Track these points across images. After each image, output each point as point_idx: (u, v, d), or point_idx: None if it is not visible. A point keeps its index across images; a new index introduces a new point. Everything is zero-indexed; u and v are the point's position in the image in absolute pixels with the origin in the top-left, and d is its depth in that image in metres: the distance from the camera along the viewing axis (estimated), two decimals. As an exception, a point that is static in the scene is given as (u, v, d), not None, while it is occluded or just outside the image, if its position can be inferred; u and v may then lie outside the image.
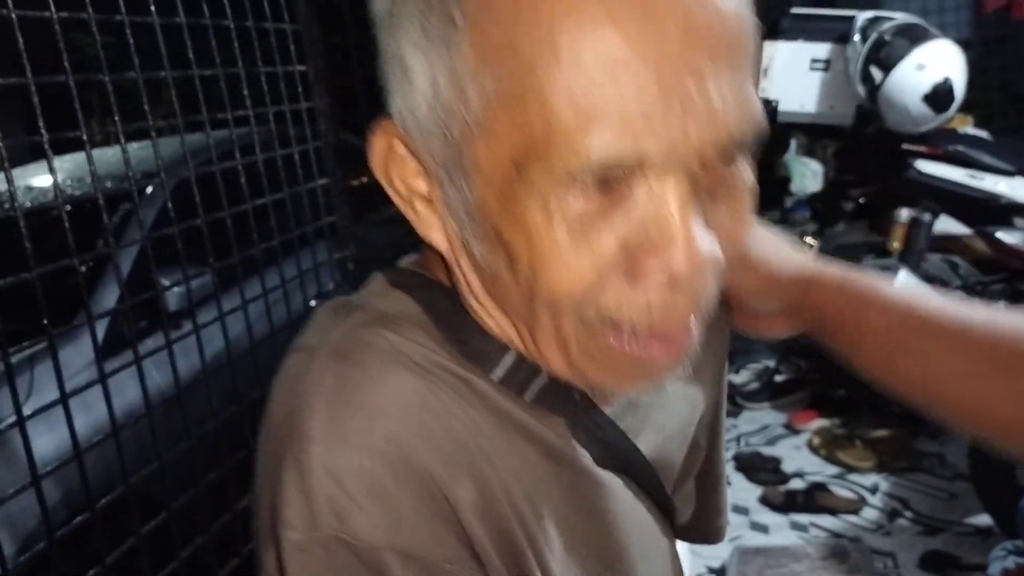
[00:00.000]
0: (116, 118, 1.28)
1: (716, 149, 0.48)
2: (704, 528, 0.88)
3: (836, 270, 0.70)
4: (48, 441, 1.83)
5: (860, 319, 0.67)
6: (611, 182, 0.48)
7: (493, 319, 0.59)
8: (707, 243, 0.49)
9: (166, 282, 2.40)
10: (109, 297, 2.54)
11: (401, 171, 0.56)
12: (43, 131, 1.17)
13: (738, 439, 3.49)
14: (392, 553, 0.50)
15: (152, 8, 1.31)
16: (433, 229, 0.57)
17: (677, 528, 0.77)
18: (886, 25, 2.75)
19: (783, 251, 0.74)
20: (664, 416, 0.71)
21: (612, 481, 0.64)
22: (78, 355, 2.33)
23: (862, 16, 2.84)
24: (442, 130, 0.51)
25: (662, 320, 0.51)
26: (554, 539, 0.58)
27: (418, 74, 0.51)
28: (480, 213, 0.52)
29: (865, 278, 0.68)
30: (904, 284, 0.66)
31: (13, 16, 1.07)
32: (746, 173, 0.52)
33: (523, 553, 0.55)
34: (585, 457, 0.62)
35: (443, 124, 0.51)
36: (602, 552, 0.63)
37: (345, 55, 1.90)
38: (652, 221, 0.48)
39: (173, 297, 2.49)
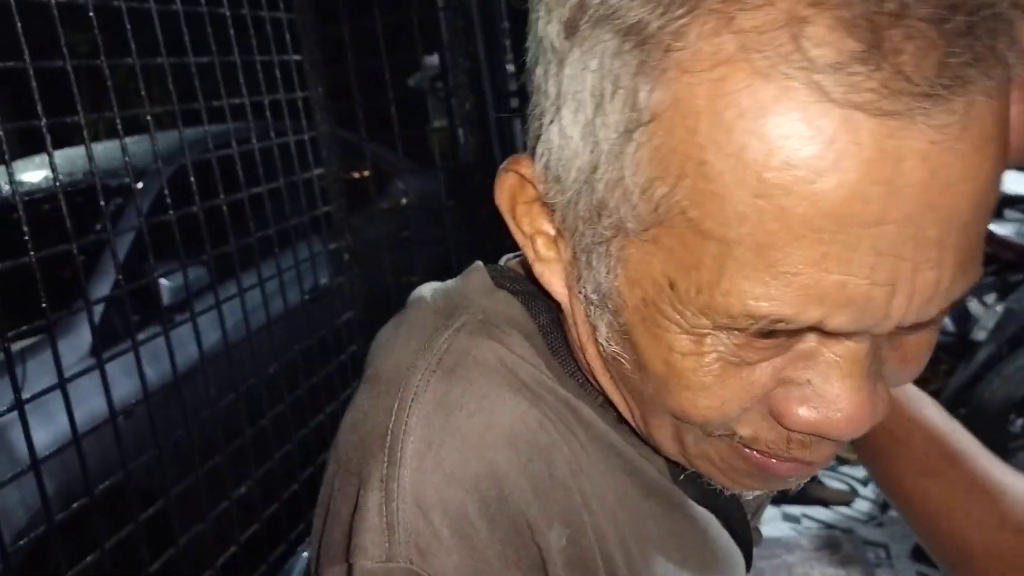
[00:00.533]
0: (114, 108, 1.29)
1: (915, 323, 0.42)
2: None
3: None
4: (43, 435, 1.84)
5: (904, 434, 0.71)
6: (778, 332, 0.42)
7: (593, 372, 0.54)
8: (870, 408, 0.44)
9: (163, 280, 2.42)
10: (103, 288, 2.55)
11: (529, 210, 0.51)
12: (42, 117, 1.18)
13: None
14: None
15: None
16: (554, 277, 0.52)
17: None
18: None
19: None
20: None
21: (706, 517, 0.62)
22: (72, 349, 2.34)
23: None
24: (591, 210, 0.45)
25: (790, 460, 0.48)
26: (646, 572, 0.56)
27: (574, 139, 0.45)
28: (616, 307, 0.46)
29: (910, 394, 0.72)
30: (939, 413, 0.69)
31: (12, 1, 1.08)
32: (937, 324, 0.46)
33: None
34: (682, 495, 0.60)
35: (595, 205, 0.45)
36: None
37: (340, 46, 1.91)
38: (818, 376, 0.43)
39: (168, 291, 2.50)
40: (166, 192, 1.81)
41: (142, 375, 1.71)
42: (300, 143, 1.90)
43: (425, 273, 0.75)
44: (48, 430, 1.85)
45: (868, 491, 2.98)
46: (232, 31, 1.56)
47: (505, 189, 0.52)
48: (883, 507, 2.87)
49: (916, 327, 0.43)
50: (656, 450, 0.55)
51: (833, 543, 2.71)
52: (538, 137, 0.48)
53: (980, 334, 2.74)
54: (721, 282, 0.40)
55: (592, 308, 0.48)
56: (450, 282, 0.60)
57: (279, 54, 1.72)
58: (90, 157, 1.43)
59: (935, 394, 3.01)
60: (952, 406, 2.84)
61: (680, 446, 0.51)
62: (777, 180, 0.38)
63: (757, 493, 0.61)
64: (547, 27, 0.45)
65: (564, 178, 0.46)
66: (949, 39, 0.36)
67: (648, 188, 0.41)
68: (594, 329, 0.49)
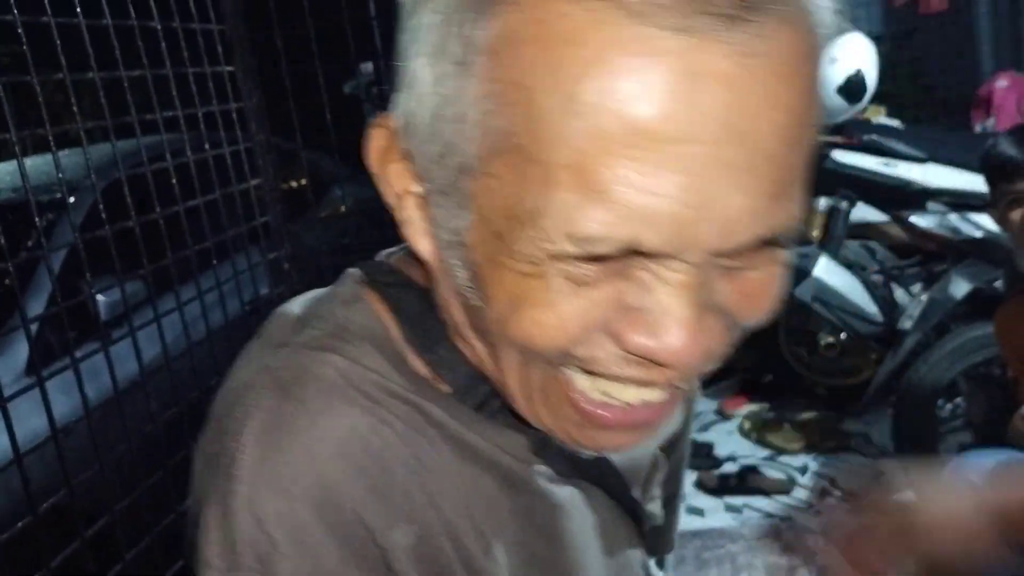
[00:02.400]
0: (45, 123, 1.27)
1: (734, 248, 0.44)
2: (662, 543, 0.87)
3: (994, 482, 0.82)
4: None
5: None
6: (608, 257, 0.44)
7: (462, 337, 0.56)
8: (700, 334, 0.45)
9: (100, 296, 2.38)
10: (38, 305, 2.49)
11: (398, 169, 0.52)
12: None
13: (672, 427, 3.58)
14: None
15: (78, 10, 1.30)
16: (420, 237, 0.53)
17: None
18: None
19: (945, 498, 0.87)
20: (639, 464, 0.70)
21: (572, 499, 0.63)
22: (7, 368, 2.28)
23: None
24: (441, 152, 0.47)
25: (638, 379, 0.49)
26: (503, 569, 0.57)
27: (425, 85, 0.47)
28: (467, 245, 0.48)
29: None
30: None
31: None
32: (780, 253, 0.48)
33: None
34: (543, 477, 0.60)
35: (442, 146, 0.47)
36: (555, 573, 0.62)
37: (274, 55, 1.91)
38: (649, 299, 0.45)
39: (104, 306, 2.46)
40: (100, 206, 1.78)
41: (83, 392, 1.68)
42: (236, 153, 1.89)
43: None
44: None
45: (806, 480, 3.06)
46: (163, 44, 1.55)
47: (374, 147, 0.53)
48: (820, 494, 2.95)
49: (743, 260, 0.46)
50: (513, 415, 0.56)
51: (774, 532, 2.79)
52: (399, 92, 0.50)
53: (907, 323, 2.83)
54: (548, 207, 0.43)
55: (450, 252, 0.50)
56: (320, 291, 0.61)
57: (211, 65, 1.72)
58: (23, 172, 1.41)
59: (868, 382, 3.12)
60: (882, 393, 2.94)
61: (527, 393, 0.52)
62: (589, 100, 0.40)
63: (627, 458, 0.66)
64: None
65: (418, 125, 0.48)
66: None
67: (484, 120, 0.44)
68: (450, 272, 0.51)
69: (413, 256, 0.57)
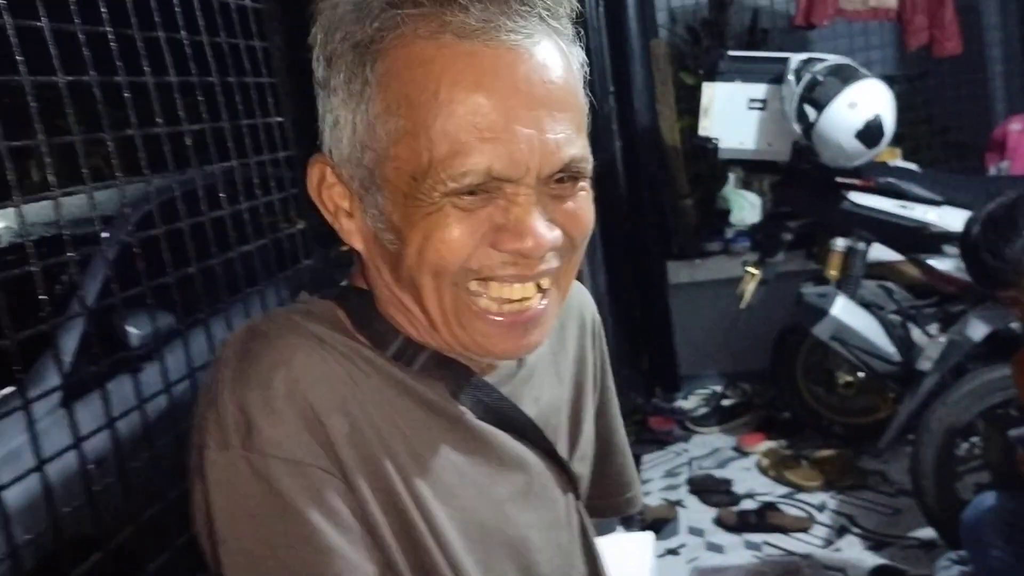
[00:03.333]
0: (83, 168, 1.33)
1: (552, 172, 0.70)
2: (614, 501, 1.06)
3: None
4: (15, 486, 1.85)
5: None
6: (483, 188, 0.68)
7: (393, 305, 0.77)
8: (546, 231, 0.70)
9: (132, 329, 2.43)
10: (71, 338, 2.55)
11: (330, 193, 0.76)
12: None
13: (690, 463, 3.60)
14: (277, 461, 0.68)
15: (146, 69, 1.38)
16: (353, 236, 0.76)
17: (587, 500, 0.95)
18: (818, 66, 2.90)
19: None
20: (537, 389, 0.87)
21: (492, 432, 0.81)
22: (38, 404, 2.33)
23: (796, 58, 3.00)
24: (359, 158, 0.72)
25: (508, 275, 0.71)
26: (433, 472, 0.75)
27: (344, 121, 0.72)
28: (388, 212, 0.71)
29: None
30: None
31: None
32: (584, 185, 0.74)
33: (390, 478, 0.73)
34: (465, 413, 0.79)
35: (360, 154, 0.71)
36: (480, 487, 0.79)
37: (312, 103, 2.00)
38: (510, 216, 0.69)
39: (136, 339, 2.51)
40: (135, 240, 1.80)
41: (113, 427, 1.72)
42: (284, 200, 1.96)
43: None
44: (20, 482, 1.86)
45: (824, 517, 3.08)
46: (220, 97, 1.62)
47: (312, 181, 0.77)
48: (839, 532, 2.97)
49: (563, 190, 0.72)
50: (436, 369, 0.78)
51: (793, 569, 2.81)
52: (325, 138, 0.75)
53: (925, 364, 2.86)
54: (435, 161, 0.67)
55: (377, 225, 0.73)
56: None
57: (263, 116, 1.79)
58: (58, 211, 1.46)
59: (886, 420, 3.15)
60: (903, 432, 2.96)
61: (444, 317, 0.73)
62: (445, 92, 0.67)
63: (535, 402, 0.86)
64: (317, 70, 0.74)
65: (343, 150, 0.72)
66: (517, 10, 0.68)
67: (384, 125, 0.69)
68: (380, 244, 0.73)
69: (353, 275, 0.81)
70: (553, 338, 0.90)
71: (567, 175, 0.71)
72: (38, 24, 1.30)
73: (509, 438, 0.82)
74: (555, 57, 0.70)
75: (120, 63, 1.48)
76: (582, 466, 0.95)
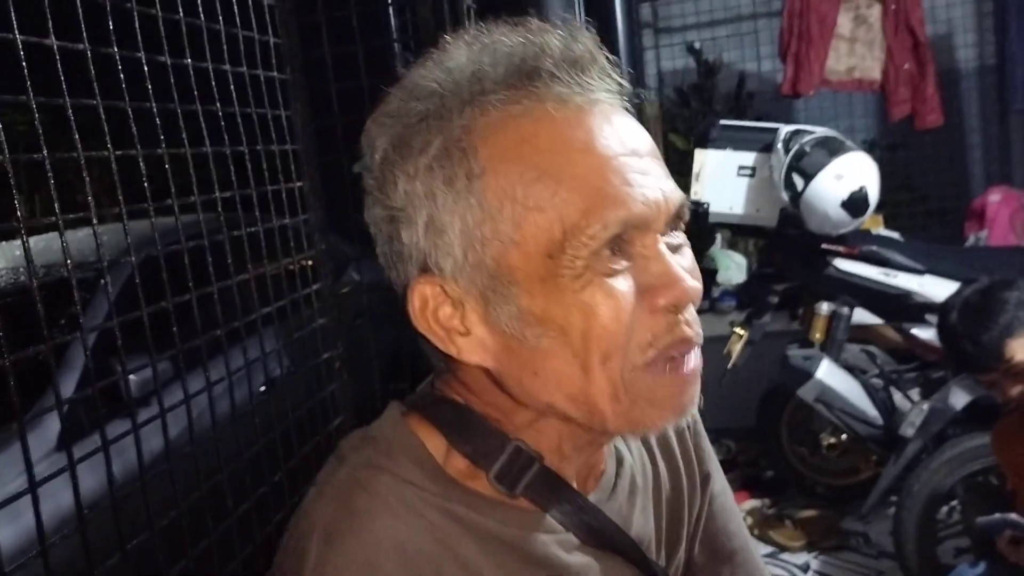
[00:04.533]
0: (121, 198, 1.35)
1: (670, 216, 0.68)
2: None
3: None
4: (9, 532, 1.85)
5: None
6: (619, 245, 0.65)
7: (522, 413, 0.71)
8: (690, 276, 0.67)
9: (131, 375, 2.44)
10: (70, 382, 2.57)
11: (436, 316, 0.69)
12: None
13: (675, 520, 3.63)
14: None
15: (175, 98, 1.44)
16: (472, 353, 0.69)
17: None
18: (806, 138, 3.01)
19: None
20: (639, 505, 0.82)
21: (588, 566, 0.74)
22: (39, 443, 2.34)
23: (784, 129, 3.10)
24: (479, 259, 0.66)
25: (682, 335, 0.67)
26: None
27: (450, 226, 0.66)
28: (527, 306, 0.66)
29: None
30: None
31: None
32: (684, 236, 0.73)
33: None
34: (562, 547, 0.73)
35: (479, 254, 0.66)
36: None
37: (332, 135, 2.09)
38: (653, 270, 0.66)
39: (135, 385, 2.53)
40: (137, 280, 1.80)
41: (110, 473, 1.73)
42: (295, 226, 2.03)
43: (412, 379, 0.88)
44: (14, 527, 1.87)
45: (808, 578, 3.12)
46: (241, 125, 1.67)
47: (416, 309, 0.70)
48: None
49: (673, 224, 0.69)
50: (545, 487, 0.72)
51: (777, 629, 2.83)
52: (417, 254, 0.69)
53: (908, 430, 2.93)
54: (568, 227, 0.64)
55: (515, 324, 0.67)
56: (372, 424, 0.76)
57: (279, 144, 1.86)
58: (65, 252, 1.49)
59: (868, 481, 3.21)
60: (885, 496, 3.03)
61: (617, 402, 0.67)
62: (560, 153, 0.65)
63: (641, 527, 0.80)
64: (393, 193, 0.69)
65: (455, 259, 0.67)
66: (593, 79, 0.68)
67: (501, 208, 0.65)
68: (519, 347, 0.67)
69: (445, 382, 0.76)
70: (642, 445, 0.86)
71: (677, 221, 0.70)
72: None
73: (602, 569, 0.76)
74: (629, 118, 0.70)
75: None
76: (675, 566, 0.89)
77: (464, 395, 0.74)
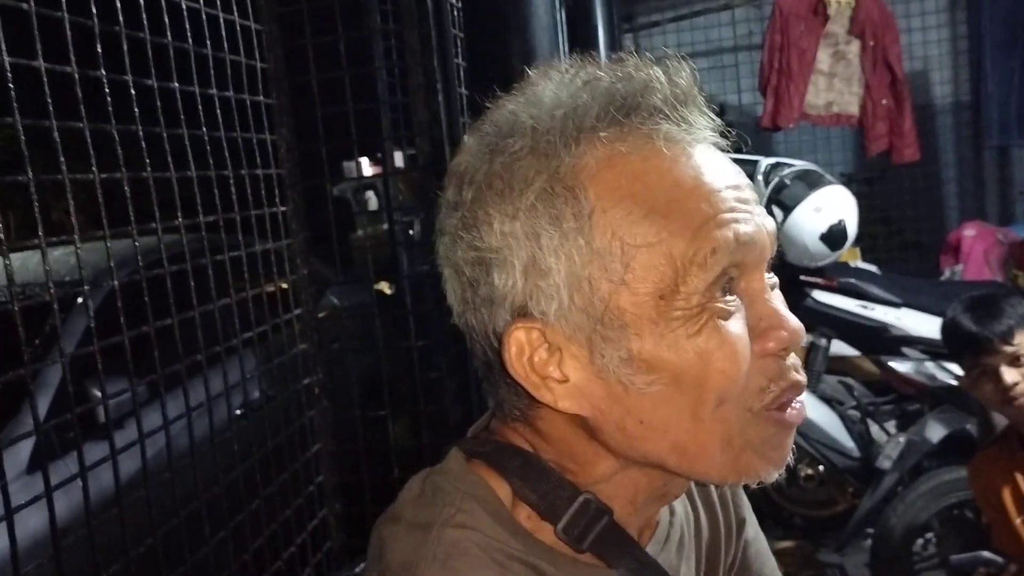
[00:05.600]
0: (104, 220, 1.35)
1: (769, 254, 0.67)
2: None
3: None
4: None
5: None
6: (729, 284, 0.63)
7: (611, 465, 0.69)
8: (794, 317, 0.66)
9: (98, 392, 2.41)
10: (41, 405, 2.53)
11: (531, 362, 0.66)
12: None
13: (653, 550, 3.62)
14: None
15: (161, 120, 1.43)
16: (569, 400, 0.66)
17: None
18: (786, 170, 3.05)
19: None
20: (684, 550, 0.80)
21: None
22: (11, 465, 2.30)
23: (765, 161, 3.14)
24: (588, 301, 0.63)
25: (795, 380, 0.65)
26: None
27: (555, 268, 0.63)
28: (637, 351, 0.63)
29: None
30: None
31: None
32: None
33: None
34: None
35: (587, 296, 0.63)
36: None
37: (315, 160, 2.09)
38: (760, 309, 0.64)
39: (111, 408, 2.49)
40: (118, 302, 1.79)
41: (87, 497, 1.70)
42: (279, 250, 2.02)
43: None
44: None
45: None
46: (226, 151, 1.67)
47: (514, 358, 0.66)
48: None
49: (768, 263, 0.67)
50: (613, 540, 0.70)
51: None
52: (499, 303, 0.66)
53: (885, 463, 2.95)
54: (679, 263, 0.62)
55: (623, 370, 0.64)
56: (435, 470, 0.74)
57: (263, 168, 1.87)
58: (47, 273, 1.47)
59: (845, 513, 3.22)
60: (862, 528, 3.04)
61: (729, 448, 0.65)
62: (670, 188, 0.63)
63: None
64: (488, 234, 0.65)
65: (552, 292, 0.64)
66: (695, 116, 0.67)
67: (611, 248, 0.62)
68: (626, 395, 0.64)
69: (501, 427, 0.73)
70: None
71: (770, 261, 0.68)
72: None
73: None
74: (721, 154, 0.69)
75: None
76: None
77: (533, 442, 0.71)
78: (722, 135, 0.69)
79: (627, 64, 0.67)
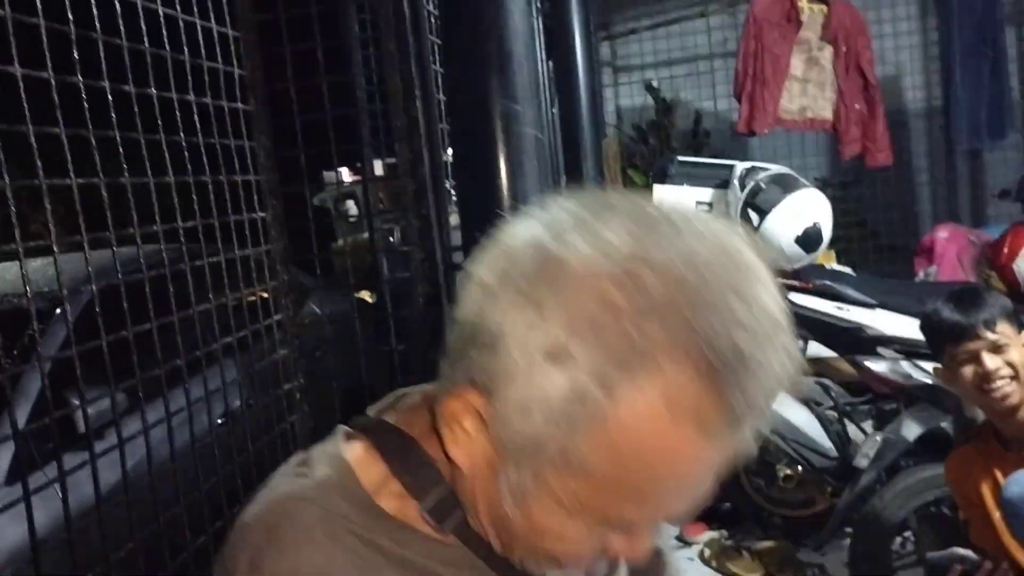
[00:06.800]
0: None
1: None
2: None
3: None
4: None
5: None
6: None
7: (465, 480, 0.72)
8: (647, 548, 0.72)
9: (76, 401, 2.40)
10: (20, 415, 2.51)
11: (460, 420, 0.69)
12: None
13: (634, 553, 3.64)
14: None
15: (139, 126, 1.43)
16: (461, 451, 0.70)
17: None
18: (761, 174, 3.08)
19: None
20: None
21: None
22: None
23: (740, 165, 3.17)
24: (539, 447, 0.64)
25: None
26: None
27: (548, 412, 0.62)
28: (527, 492, 0.67)
29: None
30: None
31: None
32: None
33: None
34: None
35: (542, 445, 0.63)
36: None
37: (295, 167, 2.10)
38: (628, 540, 0.70)
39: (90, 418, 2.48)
40: (97, 309, 1.77)
41: (67, 507, 1.69)
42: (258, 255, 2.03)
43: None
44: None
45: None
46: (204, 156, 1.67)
47: (457, 408, 0.69)
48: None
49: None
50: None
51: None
52: (500, 386, 0.65)
53: (862, 462, 2.98)
54: (611, 509, 0.65)
55: (505, 487, 0.68)
56: (316, 446, 0.80)
57: (241, 174, 1.87)
58: (25, 278, 1.47)
59: (824, 512, 3.25)
60: (840, 526, 3.07)
61: (518, 548, 0.72)
62: (666, 464, 0.63)
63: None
64: (554, 332, 0.61)
65: (530, 419, 0.63)
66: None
67: (592, 450, 0.62)
68: (496, 490, 0.69)
69: (407, 412, 0.79)
70: None
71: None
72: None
73: None
74: None
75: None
76: None
77: (421, 433, 0.76)
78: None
79: (791, 349, 0.65)
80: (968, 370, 2.05)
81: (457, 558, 0.75)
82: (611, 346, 0.60)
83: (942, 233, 4.19)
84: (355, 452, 0.76)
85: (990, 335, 2.01)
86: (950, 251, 4.06)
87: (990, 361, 2.01)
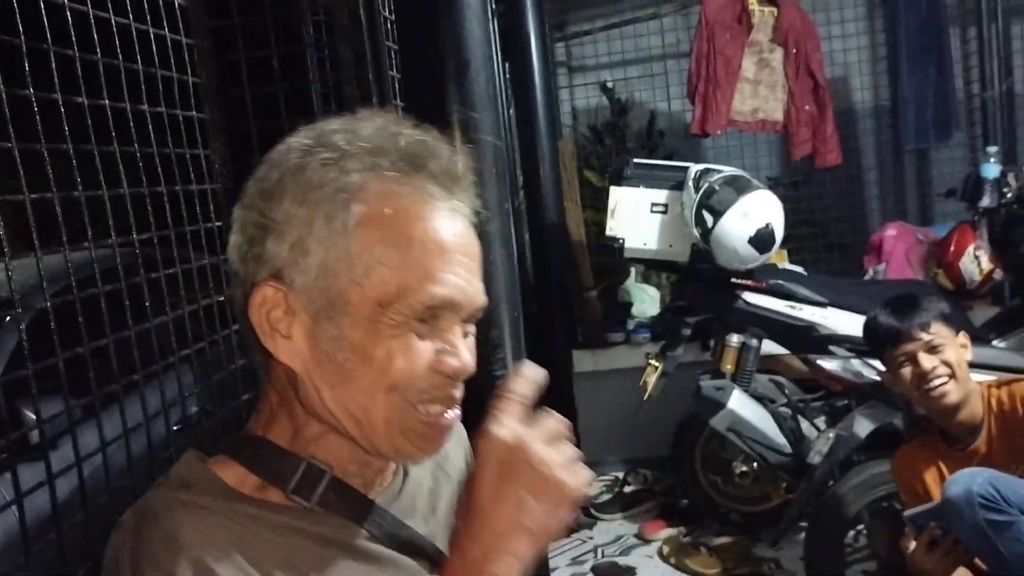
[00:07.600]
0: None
1: (474, 311, 0.87)
2: None
3: None
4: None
5: None
6: (433, 316, 0.83)
7: (312, 426, 0.86)
8: (471, 357, 0.87)
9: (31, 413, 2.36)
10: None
11: (268, 315, 0.83)
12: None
13: (595, 550, 3.68)
14: None
15: (92, 137, 1.41)
16: (286, 354, 0.84)
17: None
18: (715, 176, 3.12)
19: None
20: (423, 500, 0.97)
21: (397, 558, 0.89)
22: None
23: (694, 167, 3.21)
24: (326, 285, 0.82)
25: (450, 395, 0.86)
26: None
27: (315, 251, 0.82)
28: (348, 334, 0.82)
29: None
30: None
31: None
32: (472, 328, 0.90)
33: None
34: (363, 539, 0.87)
35: (327, 283, 0.82)
36: None
37: (250, 169, 2.09)
38: (448, 342, 0.84)
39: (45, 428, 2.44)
40: (51, 318, 1.76)
41: (23, 520, 1.67)
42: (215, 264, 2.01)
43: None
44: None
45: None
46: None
47: (256, 302, 0.83)
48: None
49: (466, 328, 0.88)
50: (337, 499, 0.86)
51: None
52: (272, 262, 0.83)
53: (816, 458, 3.04)
54: (403, 289, 0.81)
55: (332, 345, 0.82)
56: (172, 469, 0.88)
57: (197, 183, 1.86)
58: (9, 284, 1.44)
59: (779, 508, 3.32)
60: (795, 522, 3.13)
61: (388, 429, 0.84)
62: (417, 237, 0.83)
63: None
64: (275, 208, 0.83)
65: (307, 277, 0.82)
66: (459, 191, 0.88)
67: (360, 255, 0.81)
68: (328, 363, 0.82)
69: (255, 420, 0.90)
70: (435, 464, 1.03)
71: (473, 318, 0.88)
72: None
73: (407, 558, 0.90)
74: (470, 227, 0.89)
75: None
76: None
77: (266, 424, 0.88)
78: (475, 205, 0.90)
79: (429, 131, 0.87)
80: (907, 371, 2.12)
81: (323, 518, 0.85)
82: (334, 183, 0.82)
83: (890, 231, 4.29)
84: (212, 462, 0.86)
85: (925, 336, 2.10)
86: (898, 249, 4.15)
87: (926, 361, 2.09)
